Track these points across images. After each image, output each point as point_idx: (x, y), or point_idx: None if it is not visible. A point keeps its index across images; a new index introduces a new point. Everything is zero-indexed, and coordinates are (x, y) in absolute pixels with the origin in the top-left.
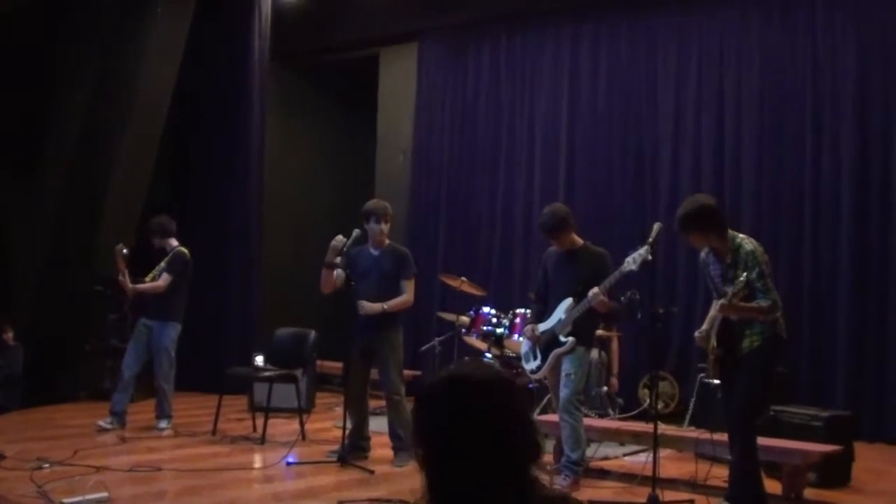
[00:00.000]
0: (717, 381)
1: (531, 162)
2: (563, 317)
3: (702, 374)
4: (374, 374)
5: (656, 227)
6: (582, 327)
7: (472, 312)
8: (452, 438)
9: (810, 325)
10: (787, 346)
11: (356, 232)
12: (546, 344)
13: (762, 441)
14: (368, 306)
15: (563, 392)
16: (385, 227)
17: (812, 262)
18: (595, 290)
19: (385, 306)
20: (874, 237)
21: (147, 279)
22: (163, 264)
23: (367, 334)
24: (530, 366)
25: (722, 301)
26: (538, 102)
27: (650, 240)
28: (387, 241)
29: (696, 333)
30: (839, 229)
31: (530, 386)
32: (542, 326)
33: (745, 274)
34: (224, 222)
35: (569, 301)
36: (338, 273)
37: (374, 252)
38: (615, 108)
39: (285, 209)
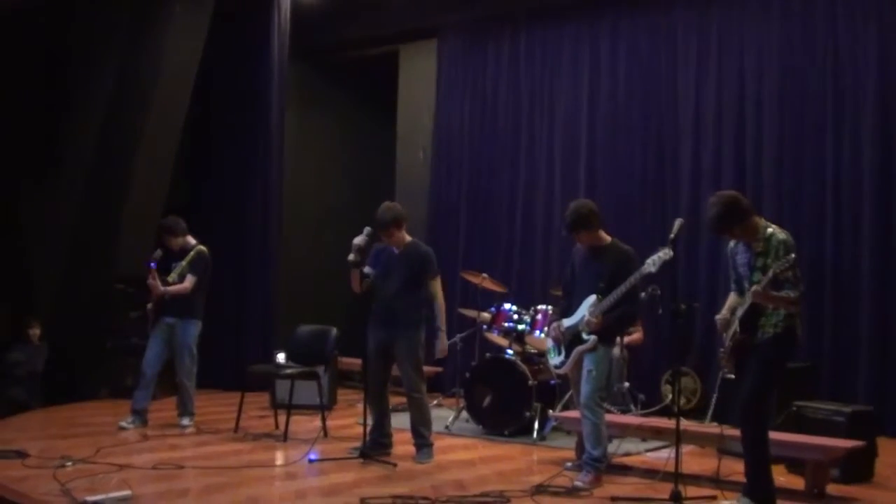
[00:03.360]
0: (733, 376)
1: (551, 157)
2: (586, 314)
3: (723, 370)
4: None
5: (677, 223)
6: (607, 327)
7: (493, 309)
8: None
9: (832, 320)
10: (801, 342)
11: (367, 229)
12: (570, 340)
13: (784, 437)
14: (441, 349)
15: (585, 389)
16: (389, 239)
17: (834, 255)
18: (587, 317)
19: (441, 328)
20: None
21: (169, 279)
22: (184, 263)
23: (385, 332)
24: (554, 361)
25: (755, 287)
26: (558, 97)
27: (671, 237)
28: (407, 239)
29: (717, 317)
30: (861, 223)
31: (552, 382)
32: (567, 322)
33: (787, 257)
34: (243, 219)
35: (592, 298)
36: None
37: (395, 251)
38: (635, 101)
39: (305, 206)
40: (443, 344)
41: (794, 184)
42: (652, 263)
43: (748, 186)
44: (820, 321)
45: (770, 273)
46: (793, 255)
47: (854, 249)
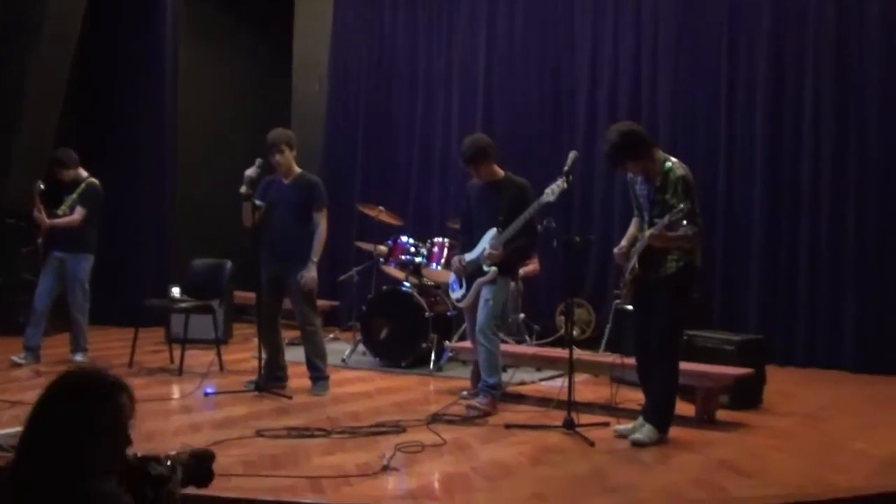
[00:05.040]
0: (630, 307)
1: (449, 91)
2: (486, 247)
3: (617, 301)
4: (289, 304)
5: (572, 155)
6: (507, 259)
7: (389, 242)
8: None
9: (724, 251)
10: (701, 273)
11: (259, 161)
12: (471, 273)
13: None
14: (307, 281)
15: (481, 316)
16: (281, 157)
17: (726, 190)
18: (488, 249)
19: (312, 260)
20: (787, 166)
21: (59, 212)
22: (74, 196)
23: (277, 265)
24: (455, 295)
25: (651, 231)
26: (456, 30)
27: (566, 169)
28: (296, 170)
29: (616, 249)
30: (752, 159)
31: (449, 314)
32: (468, 256)
33: (682, 205)
34: (137, 152)
35: (492, 232)
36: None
37: (285, 181)
38: (533, 37)
39: (200, 139)
40: (310, 275)
41: (689, 119)
42: (551, 192)
43: (644, 117)
44: (711, 252)
45: (665, 219)
46: (685, 205)
47: (745, 184)
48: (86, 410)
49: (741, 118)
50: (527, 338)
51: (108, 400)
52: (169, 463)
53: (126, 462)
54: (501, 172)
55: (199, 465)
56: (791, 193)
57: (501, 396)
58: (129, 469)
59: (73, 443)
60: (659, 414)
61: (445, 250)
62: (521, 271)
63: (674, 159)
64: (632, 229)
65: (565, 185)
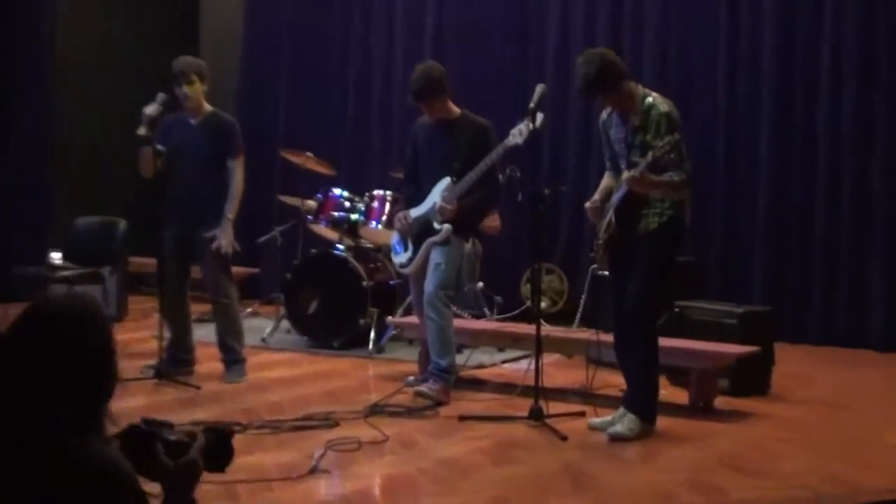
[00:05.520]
0: (606, 272)
1: (392, 13)
2: (437, 200)
3: (594, 266)
4: (197, 272)
5: (539, 89)
6: (463, 215)
7: (319, 195)
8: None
9: (724, 207)
10: (689, 232)
11: (161, 96)
12: (418, 232)
13: (664, 342)
14: (223, 243)
15: (430, 284)
16: (190, 89)
17: (727, 130)
18: (440, 203)
19: (227, 217)
20: (800, 108)
21: None
22: None
23: (182, 224)
24: (400, 259)
25: (631, 173)
26: None
27: (531, 106)
28: (207, 108)
29: (588, 204)
30: (758, 98)
31: (391, 283)
32: (415, 212)
33: (668, 138)
34: (4, 90)
35: (445, 181)
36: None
37: (193, 122)
38: None
39: (86, 71)
40: (224, 236)
41: (680, 45)
42: (518, 133)
43: (626, 48)
44: (709, 208)
45: (649, 156)
46: (676, 135)
47: (752, 121)
48: (79, 341)
49: (745, 49)
50: (486, 311)
51: (102, 326)
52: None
53: (132, 426)
54: (457, 110)
55: (219, 442)
56: (805, 140)
57: (455, 382)
58: (136, 434)
59: (62, 386)
60: (640, 400)
61: (387, 205)
62: (480, 230)
63: (655, 94)
64: (605, 181)
65: (533, 126)
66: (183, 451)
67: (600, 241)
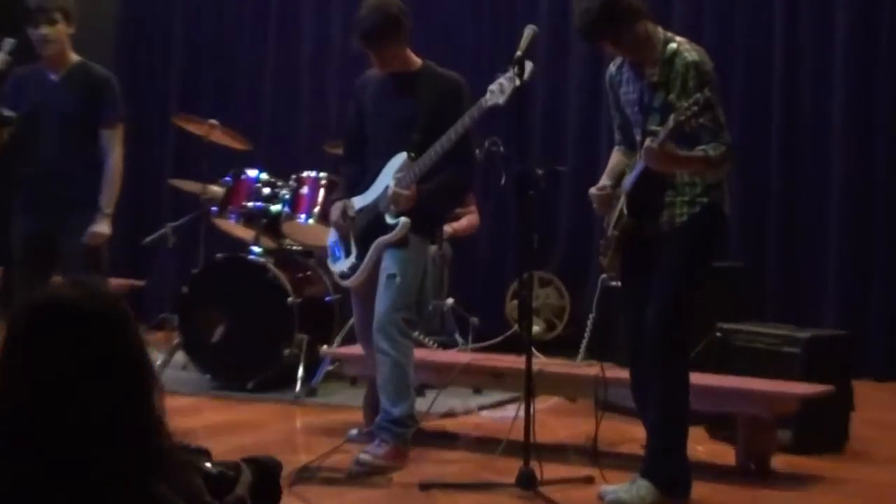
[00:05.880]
0: (618, 283)
1: None
2: (391, 184)
3: (604, 276)
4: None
5: (528, 32)
6: (425, 205)
7: (228, 179)
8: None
9: (784, 192)
10: (731, 226)
11: (7, 42)
12: (364, 230)
13: (701, 379)
14: (94, 235)
15: (382, 303)
16: (50, 31)
17: (788, 102)
18: (394, 188)
19: (104, 211)
20: (879, 82)
21: None
22: None
23: (41, 218)
24: (339, 266)
25: (648, 143)
26: None
27: (519, 53)
28: (73, 58)
29: (593, 190)
30: (829, 72)
31: (328, 299)
32: (360, 201)
33: (697, 96)
34: None
35: (401, 158)
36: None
37: (53, 77)
38: None
39: None
40: (100, 235)
41: None
42: (499, 90)
43: None
44: (762, 197)
45: (670, 121)
46: (708, 92)
47: (820, 93)
48: (112, 342)
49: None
50: (458, 338)
51: (128, 327)
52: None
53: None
54: (418, 61)
55: (265, 477)
56: (882, 119)
57: (415, 437)
58: (175, 462)
59: (97, 408)
60: (660, 461)
61: (321, 192)
62: (450, 227)
63: (681, 39)
64: (615, 159)
65: (519, 81)
66: (228, 487)
67: (610, 241)
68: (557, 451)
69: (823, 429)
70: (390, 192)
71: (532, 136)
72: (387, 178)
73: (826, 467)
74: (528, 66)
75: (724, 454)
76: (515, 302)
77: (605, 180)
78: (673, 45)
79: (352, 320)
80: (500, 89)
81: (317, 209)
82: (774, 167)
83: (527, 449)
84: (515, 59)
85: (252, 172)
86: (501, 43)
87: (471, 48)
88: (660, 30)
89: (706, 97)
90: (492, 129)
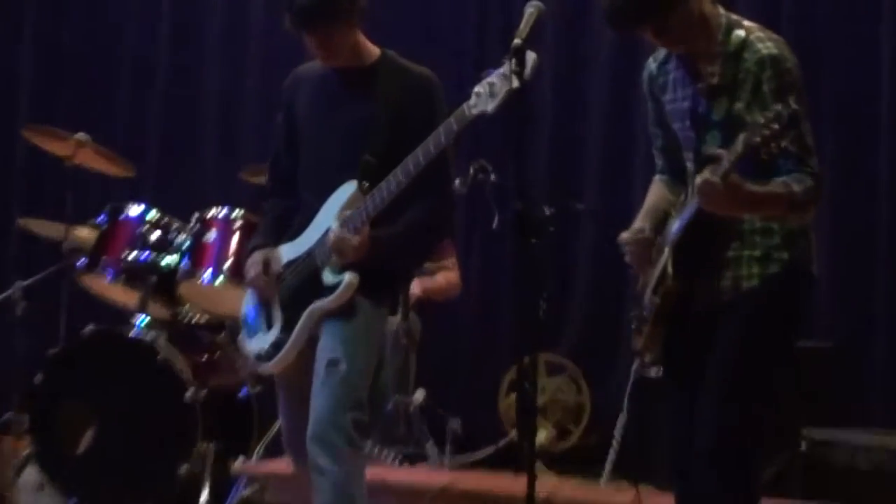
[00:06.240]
0: (658, 372)
1: None
2: (334, 226)
3: (640, 361)
4: None
5: (530, 10)
6: (382, 257)
7: (102, 218)
8: None
9: (888, 260)
10: (819, 291)
11: None
12: (295, 292)
13: None
14: None
15: (321, 402)
16: None
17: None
18: (338, 231)
19: None
20: None
21: None
22: None
23: None
24: (258, 343)
25: (706, 174)
26: None
27: (518, 41)
28: None
29: (626, 235)
30: None
31: (244, 393)
32: (288, 252)
33: (778, 108)
34: None
35: (349, 189)
36: None
37: None
38: None
39: None
40: None
41: None
42: (488, 95)
43: None
44: (864, 249)
45: (739, 142)
46: (793, 104)
47: None
48: None
49: None
50: (432, 449)
51: None
52: None
53: None
54: (376, 50)
55: None
56: None
57: None
58: None
59: None
60: None
61: (235, 238)
62: (418, 288)
63: (751, 24)
64: (655, 194)
65: (518, 80)
66: None
67: (649, 312)
68: None
69: None
70: (332, 237)
71: (537, 159)
72: (328, 217)
73: None
74: (531, 58)
75: None
76: (513, 397)
77: (641, 223)
78: (740, 33)
79: (278, 424)
80: (489, 91)
81: (228, 263)
82: (886, 208)
83: None
84: (513, 49)
85: (136, 210)
86: (491, 26)
87: (449, 31)
88: (721, 10)
89: (792, 110)
90: (480, 148)
